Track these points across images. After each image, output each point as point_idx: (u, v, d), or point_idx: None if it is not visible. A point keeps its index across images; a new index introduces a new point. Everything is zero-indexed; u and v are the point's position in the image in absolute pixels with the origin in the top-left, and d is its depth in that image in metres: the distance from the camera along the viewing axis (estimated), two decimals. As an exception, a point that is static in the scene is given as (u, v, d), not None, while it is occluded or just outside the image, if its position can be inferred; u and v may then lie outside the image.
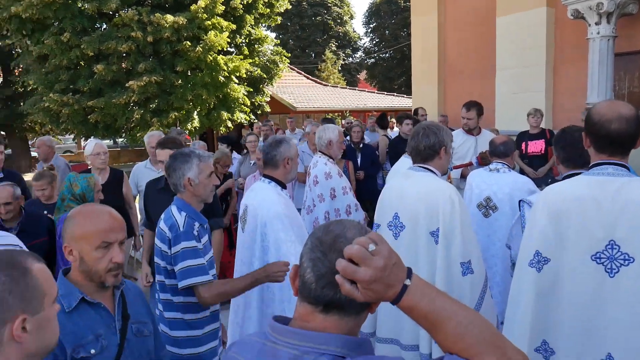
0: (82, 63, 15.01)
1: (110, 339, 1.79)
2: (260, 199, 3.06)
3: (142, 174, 5.25)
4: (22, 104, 18.11)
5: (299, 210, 5.15)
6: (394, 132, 9.24)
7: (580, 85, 7.55)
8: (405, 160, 4.14)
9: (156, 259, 2.59)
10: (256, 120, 17.92)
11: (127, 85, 14.24)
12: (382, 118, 9.35)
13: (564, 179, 2.74)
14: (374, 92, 27.23)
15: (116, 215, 1.84)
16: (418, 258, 2.72)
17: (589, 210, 2.02)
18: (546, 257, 2.15)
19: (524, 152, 6.74)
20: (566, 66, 8.25)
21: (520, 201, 2.98)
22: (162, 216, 2.59)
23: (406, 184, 2.84)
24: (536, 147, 6.70)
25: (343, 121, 13.20)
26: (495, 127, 7.58)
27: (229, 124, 16.65)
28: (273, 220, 2.95)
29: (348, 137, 7.31)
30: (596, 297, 2.00)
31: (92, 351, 1.70)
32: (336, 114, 24.36)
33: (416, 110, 8.47)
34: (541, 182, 5.63)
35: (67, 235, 1.77)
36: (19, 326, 1.21)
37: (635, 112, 2.04)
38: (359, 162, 6.71)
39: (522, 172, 6.59)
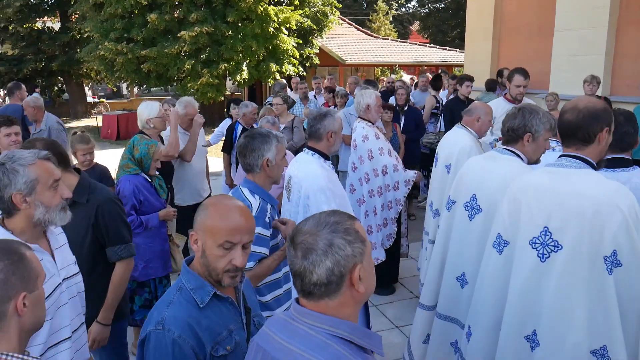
0: (136, 12, 15.27)
1: (240, 334, 1.73)
2: (304, 171, 3.16)
3: None
4: (78, 50, 18.65)
5: (345, 172, 5.29)
6: (444, 93, 8.93)
7: (643, 50, 7.18)
8: (457, 131, 3.97)
9: None
10: (303, 73, 17.86)
11: (178, 35, 14.43)
12: (437, 79, 9.06)
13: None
14: (425, 46, 26.44)
15: (248, 215, 1.73)
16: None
17: (534, 198, 2.16)
18: (506, 240, 2.29)
19: (576, 120, 6.52)
20: (630, 28, 7.79)
21: None
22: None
23: (488, 167, 2.75)
24: (589, 115, 6.45)
25: (392, 76, 12.97)
26: (555, 92, 7.26)
27: (277, 76, 16.71)
28: (317, 193, 3.05)
29: (393, 99, 7.22)
30: (531, 280, 2.13)
31: (228, 347, 1.67)
32: (386, 67, 23.96)
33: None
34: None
35: (196, 224, 1.69)
36: (21, 301, 1.46)
37: (599, 107, 2.07)
38: (401, 125, 6.67)
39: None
